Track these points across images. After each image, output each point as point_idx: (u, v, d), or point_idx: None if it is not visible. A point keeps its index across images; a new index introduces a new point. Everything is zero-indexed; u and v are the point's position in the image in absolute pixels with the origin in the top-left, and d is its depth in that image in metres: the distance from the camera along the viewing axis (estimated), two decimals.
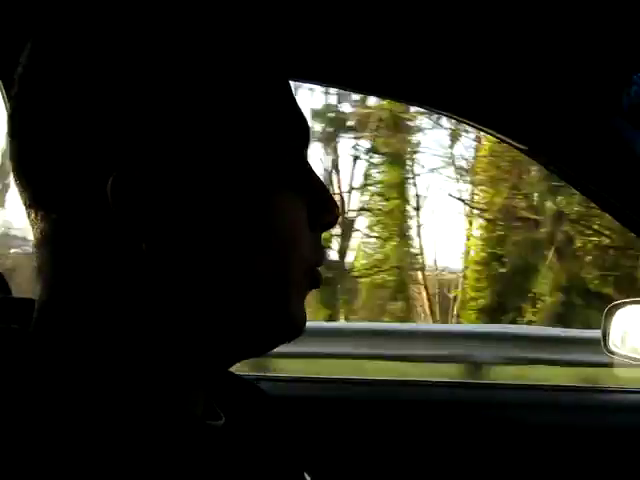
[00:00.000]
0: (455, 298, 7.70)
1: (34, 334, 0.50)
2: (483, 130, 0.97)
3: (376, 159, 7.77)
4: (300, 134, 0.55)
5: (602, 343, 1.27)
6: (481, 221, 7.77)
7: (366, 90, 1.02)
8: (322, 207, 0.55)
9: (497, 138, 1.04)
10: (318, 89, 7.08)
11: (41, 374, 0.45)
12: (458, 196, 7.80)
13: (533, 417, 1.23)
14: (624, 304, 1.29)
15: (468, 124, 1.01)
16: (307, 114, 0.57)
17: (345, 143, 8.91)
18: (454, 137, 7.68)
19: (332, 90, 6.82)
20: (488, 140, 6.99)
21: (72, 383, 0.45)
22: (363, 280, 7.75)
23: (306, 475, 0.65)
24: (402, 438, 1.18)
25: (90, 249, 0.49)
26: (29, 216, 0.51)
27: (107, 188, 0.46)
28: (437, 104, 0.95)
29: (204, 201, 0.48)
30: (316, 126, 7.23)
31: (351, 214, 7.72)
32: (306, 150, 0.56)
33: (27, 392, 0.44)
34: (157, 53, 0.47)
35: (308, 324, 0.55)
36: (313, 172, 0.56)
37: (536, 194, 7.30)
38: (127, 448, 0.44)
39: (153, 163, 0.47)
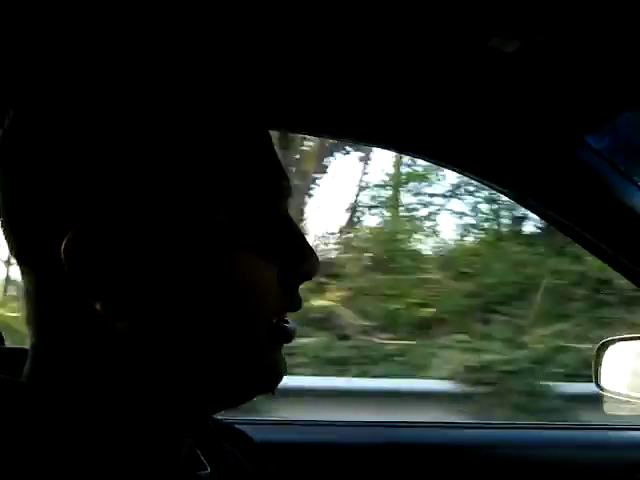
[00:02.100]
0: None
1: (25, 384, 0.51)
2: (463, 174, 1.00)
3: None
4: (273, 189, 0.54)
5: (593, 379, 1.28)
6: None
7: (353, 138, 1.05)
8: (295, 261, 0.54)
9: (480, 182, 1.07)
10: None
11: (29, 426, 0.47)
12: None
13: (525, 456, 1.23)
14: (615, 341, 1.30)
15: (452, 169, 1.05)
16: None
17: None
18: None
19: None
20: None
21: (59, 437, 0.47)
22: None
23: None
24: None
25: (59, 307, 0.50)
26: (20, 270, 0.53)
27: (61, 248, 0.48)
28: (419, 150, 0.99)
29: (160, 263, 0.49)
30: None
31: None
32: (282, 203, 0.56)
33: (17, 441, 0.46)
34: (117, 121, 0.49)
35: None
36: (289, 223, 0.56)
37: None
38: None
39: (108, 224, 0.48)
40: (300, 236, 0.56)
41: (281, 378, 0.55)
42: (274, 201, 0.54)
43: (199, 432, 0.59)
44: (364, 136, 0.96)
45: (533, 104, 0.93)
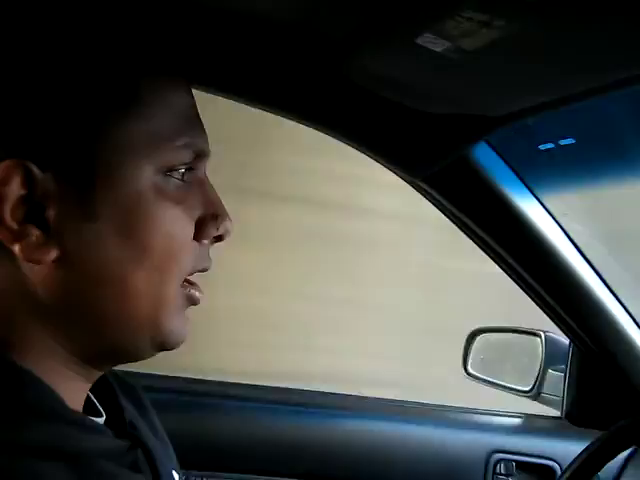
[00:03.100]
0: None
1: None
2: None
3: None
4: (196, 148, 0.55)
5: (462, 365, 1.37)
6: None
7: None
8: (211, 222, 0.56)
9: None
10: None
11: None
12: None
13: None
14: (485, 331, 1.40)
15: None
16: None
17: None
18: None
19: None
20: None
21: None
22: None
23: (175, 474, 0.66)
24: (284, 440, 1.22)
25: None
26: None
27: None
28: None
29: (88, 206, 0.50)
30: None
31: None
32: (201, 163, 0.57)
33: None
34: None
35: None
36: (207, 184, 0.57)
37: None
38: (5, 437, 0.46)
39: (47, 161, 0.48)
40: (217, 197, 0.58)
41: (178, 343, 0.56)
42: (195, 160, 0.55)
43: (98, 382, 0.59)
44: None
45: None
